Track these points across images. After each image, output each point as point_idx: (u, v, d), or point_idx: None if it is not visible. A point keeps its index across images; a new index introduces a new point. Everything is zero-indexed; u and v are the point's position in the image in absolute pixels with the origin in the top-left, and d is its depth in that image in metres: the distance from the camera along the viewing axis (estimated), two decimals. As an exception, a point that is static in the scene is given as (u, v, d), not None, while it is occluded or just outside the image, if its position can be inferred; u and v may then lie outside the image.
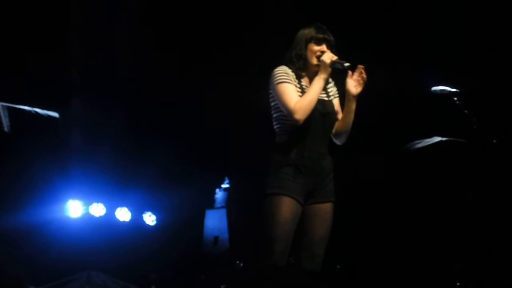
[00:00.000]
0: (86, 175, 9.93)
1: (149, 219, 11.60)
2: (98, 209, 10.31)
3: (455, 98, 4.42)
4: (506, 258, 7.14)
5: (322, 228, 3.89)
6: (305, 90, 3.90)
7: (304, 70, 3.97)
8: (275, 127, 3.97)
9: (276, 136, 3.97)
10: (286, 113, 3.84)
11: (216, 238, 13.05)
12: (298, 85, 3.91)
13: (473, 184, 7.56)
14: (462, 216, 7.96)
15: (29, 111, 5.05)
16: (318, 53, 3.91)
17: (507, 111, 7.25)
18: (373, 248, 8.93)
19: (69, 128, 9.95)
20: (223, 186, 13.53)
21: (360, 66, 3.84)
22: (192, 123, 10.26)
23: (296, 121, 3.79)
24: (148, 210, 11.56)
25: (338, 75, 4.00)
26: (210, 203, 13.56)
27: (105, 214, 10.43)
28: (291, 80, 3.90)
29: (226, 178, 13.45)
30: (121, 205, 10.86)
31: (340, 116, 4.01)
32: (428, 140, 5.55)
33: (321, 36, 3.93)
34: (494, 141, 4.44)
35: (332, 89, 4.07)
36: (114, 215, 10.78)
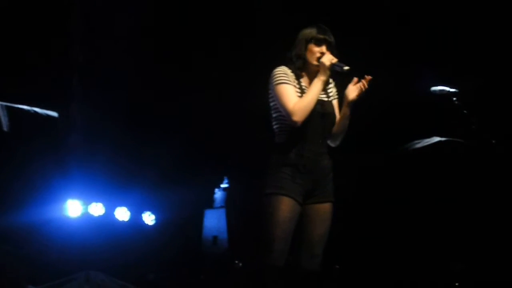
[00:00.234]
0: (85, 175, 9.93)
1: (148, 218, 11.60)
2: (97, 209, 10.31)
3: (454, 98, 4.42)
4: (505, 258, 7.15)
5: (321, 228, 3.90)
6: (305, 90, 3.90)
7: (304, 70, 3.97)
8: (274, 127, 3.97)
9: (275, 136, 3.97)
10: (285, 114, 3.84)
11: (215, 238, 13.04)
12: (298, 86, 3.92)
13: (473, 184, 7.57)
14: (461, 216, 7.97)
15: (28, 111, 5.05)
16: (318, 54, 3.90)
17: (507, 111, 7.26)
18: (373, 247, 8.94)
19: (68, 128, 9.94)
20: (222, 186, 13.52)
21: (367, 77, 3.83)
22: (191, 123, 10.26)
23: (294, 122, 3.80)
24: (147, 209, 11.56)
25: (336, 77, 4.01)
26: (209, 203, 13.55)
27: (104, 214, 10.42)
28: (290, 80, 3.90)
29: (225, 178, 13.44)
30: (120, 205, 10.86)
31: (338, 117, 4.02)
32: (427, 140, 5.55)
33: (321, 36, 3.92)
34: (493, 141, 4.44)
35: (332, 90, 4.07)
36: (113, 215, 10.78)
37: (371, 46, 7.70)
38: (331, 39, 3.94)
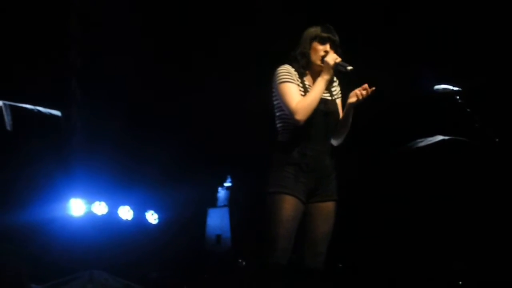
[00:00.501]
0: (89, 174, 9.92)
1: (152, 217, 11.59)
2: (100, 208, 10.30)
3: (458, 97, 4.42)
4: (508, 257, 7.14)
5: (324, 227, 3.90)
6: (308, 89, 3.91)
7: (308, 69, 3.98)
8: (277, 125, 3.98)
9: (279, 135, 3.98)
10: (288, 113, 3.85)
11: (218, 237, 13.02)
12: (301, 84, 3.93)
13: (476, 183, 7.56)
14: (464, 215, 7.96)
15: (32, 110, 5.05)
16: (322, 53, 3.92)
17: (510, 109, 7.25)
18: (376, 246, 8.93)
19: (72, 127, 9.95)
20: (226, 184, 13.50)
21: (371, 89, 3.83)
22: (194, 122, 10.25)
23: (297, 121, 3.81)
24: (150, 208, 11.55)
25: (340, 76, 4.01)
26: (213, 202, 13.53)
27: (107, 213, 10.42)
28: (293, 79, 3.91)
29: (229, 176, 13.43)
30: (124, 204, 10.85)
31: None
32: (430, 138, 5.54)
33: (325, 35, 3.94)
34: (497, 139, 4.44)
35: (336, 88, 4.08)
36: (117, 214, 10.77)
37: (374, 45, 7.70)
38: (336, 38, 3.96)
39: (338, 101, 4.06)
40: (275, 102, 3.97)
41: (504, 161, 4.77)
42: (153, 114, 10.44)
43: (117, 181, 10.42)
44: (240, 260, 10.82)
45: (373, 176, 8.82)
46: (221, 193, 13.66)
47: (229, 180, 13.50)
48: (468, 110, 4.39)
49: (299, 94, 3.87)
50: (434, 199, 8.34)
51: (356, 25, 7.58)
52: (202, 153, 11.09)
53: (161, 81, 9.85)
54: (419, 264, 8.38)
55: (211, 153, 11.00)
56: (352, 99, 3.88)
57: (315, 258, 3.87)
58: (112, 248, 9.88)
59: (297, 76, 3.94)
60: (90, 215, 10.12)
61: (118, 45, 9.30)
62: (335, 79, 4.05)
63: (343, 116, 3.97)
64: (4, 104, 4.79)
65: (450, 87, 4.46)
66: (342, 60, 3.88)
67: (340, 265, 9.35)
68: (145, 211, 11.53)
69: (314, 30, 3.99)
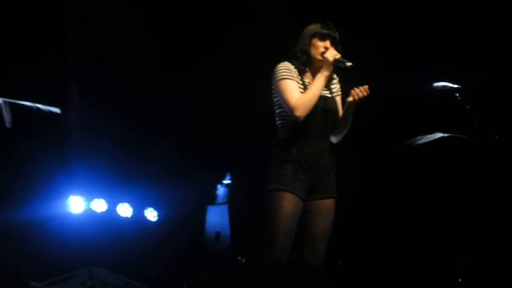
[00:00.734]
0: (88, 171, 9.92)
1: (151, 214, 11.60)
2: (99, 205, 10.31)
3: (457, 94, 4.42)
4: (508, 254, 7.15)
5: (324, 224, 3.90)
6: (307, 86, 3.90)
7: (308, 66, 3.98)
8: (277, 123, 3.98)
9: (278, 132, 3.97)
10: (287, 110, 3.85)
11: (217, 234, 13.05)
12: (301, 81, 3.92)
13: (475, 180, 7.56)
14: (464, 212, 7.97)
15: (31, 107, 5.05)
16: (322, 49, 3.91)
17: (509, 107, 7.25)
18: (375, 243, 8.94)
19: (71, 124, 9.94)
20: (225, 182, 13.52)
21: (365, 90, 3.81)
22: (193, 119, 10.26)
23: (297, 117, 3.80)
24: (149, 206, 11.55)
25: (340, 73, 4.01)
26: (212, 199, 13.56)
27: (106, 210, 10.42)
28: (293, 76, 3.90)
29: (228, 174, 13.45)
30: (123, 201, 10.86)
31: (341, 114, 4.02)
32: (430, 136, 5.55)
33: (325, 31, 3.93)
34: (496, 137, 4.44)
35: (336, 86, 4.07)
36: (116, 211, 10.78)
37: (374, 43, 7.69)
38: (336, 34, 3.95)
39: (338, 99, 4.05)
40: (274, 99, 3.97)
41: (504, 158, 4.77)
42: (152, 112, 10.45)
43: (116, 178, 10.42)
44: (239, 257, 10.83)
45: (373, 173, 8.83)
46: (221, 190, 13.68)
47: (228, 177, 13.52)
48: (467, 107, 4.38)
49: (298, 91, 3.86)
50: (434, 197, 8.35)
51: (356, 24, 7.57)
52: (202, 150, 11.09)
53: (161, 77, 9.84)
54: (419, 261, 8.39)
55: (210, 150, 11.00)
56: (350, 97, 3.88)
57: (315, 256, 3.87)
58: (112, 245, 9.88)
59: (297, 73, 3.93)
60: (89, 212, 10.13)
61: (118, 44, 9.29)
62: (335, 76, 4.04)
63: (342, 114, 3.97)
64: (4, 101, 4.79)
65: (450, 85, 4.46)
66: (342, 57, 3.87)
67: (340, 262, 9.36)
68: (145, 208, 11.54)
69: (314, 27, 3.98)
